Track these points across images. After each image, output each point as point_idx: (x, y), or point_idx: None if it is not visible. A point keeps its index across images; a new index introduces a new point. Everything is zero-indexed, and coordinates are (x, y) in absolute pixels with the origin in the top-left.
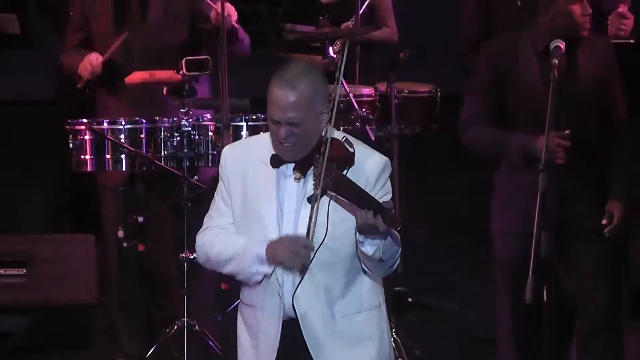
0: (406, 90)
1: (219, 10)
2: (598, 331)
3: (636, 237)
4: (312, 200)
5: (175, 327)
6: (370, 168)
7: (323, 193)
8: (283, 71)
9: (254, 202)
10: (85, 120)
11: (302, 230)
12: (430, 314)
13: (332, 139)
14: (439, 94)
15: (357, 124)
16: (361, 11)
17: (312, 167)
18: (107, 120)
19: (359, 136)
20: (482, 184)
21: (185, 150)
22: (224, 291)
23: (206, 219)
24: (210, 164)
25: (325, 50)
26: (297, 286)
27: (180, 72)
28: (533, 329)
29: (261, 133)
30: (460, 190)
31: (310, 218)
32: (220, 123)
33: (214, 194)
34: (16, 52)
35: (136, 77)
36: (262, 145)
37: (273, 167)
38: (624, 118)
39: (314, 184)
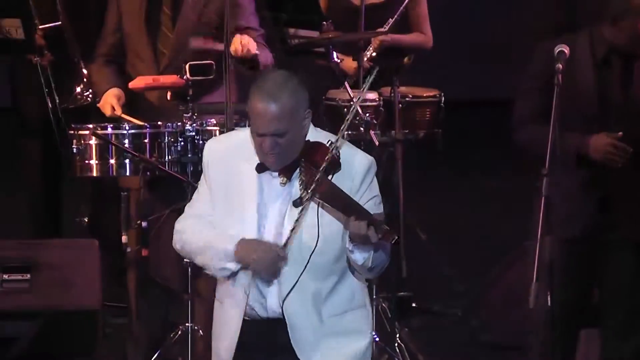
0: (410, 95)
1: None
2: (621, 337)
3: None
4: (298, 204)
5: (179, 332)
6: (355, 169)
7: (311, 199)
8: (262, 83)
9: (236, 200)
10: (89, 125)
11: (286, 234)
12: (434, 318)
13: (317, 143)
14: (443, 98)
15: (361, 128)
16: (396, 16)
17: (298, 171)
18: (111, 125)
19: (363, 141)
20: (485, 189)
21: (189, 155)
22: None
23: (187, 207)
24: None
25: (330, 55)
26: (290, 292)
27: (184, 76)
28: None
29: (241, 129)
30: (464, 195)
31: (294, 227)
32: (225, 128)
33: None
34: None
35: (140, 82)
36: (245, 141)
37: (258, 172)
38: None
39: (300, 189)
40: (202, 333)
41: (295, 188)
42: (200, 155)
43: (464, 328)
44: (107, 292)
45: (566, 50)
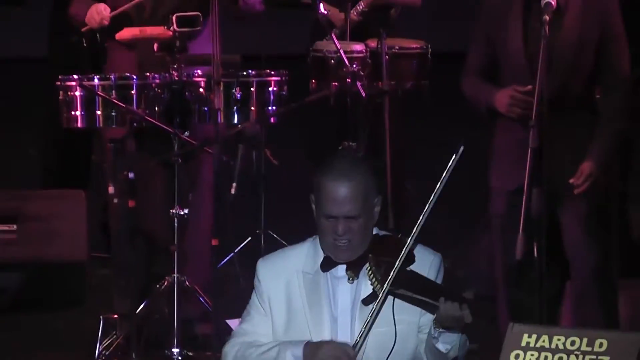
0: (397, 47)
1: None
2: (589, 290)
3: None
4: (369, 301)
5: (166, 283)
6: (426, 266)
7: (388, 293)
8: (333, 163)
9: (302, 312)
10: (75, 77)
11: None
12: None
13: (386, 236)
14: (430, 50)
15: (348, 80)
16: None
17: (366, 267)
18: (97, 77)
19: (349, 93)
20: (473, 140)
21: (176, 107)
22: (214, 247)
23: (237, 330)
24: (201, 121)
25: (317, 6)
26: None
27: (171, 28)
28: (524, 287)
29: (291, 245)
30: (452, 146)
31: (366, 325)
32: (212, 79)
33: (204, 150)
34: (7, 9)
35: (126, 33)
36: (297, 254)
37: (324, 271)
38: (623, 76)
39: (373, 284)
40: (188, 284)
41: (364, 285)
42: (186, 107)
43: (451, 280)
44: (94, 243)
45: (553, 2)
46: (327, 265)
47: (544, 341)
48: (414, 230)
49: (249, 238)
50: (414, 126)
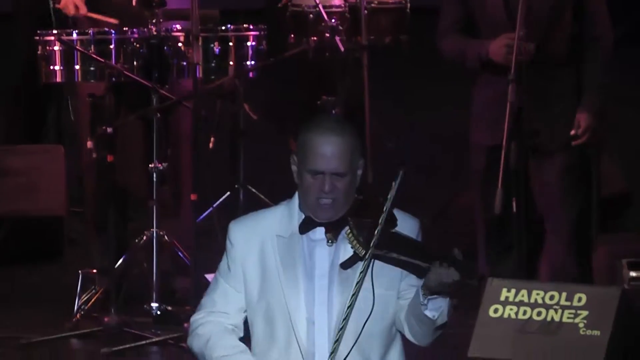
0: (376, 1)
1: None
2: (566, 244)
3: (606, 149)
4: (347, 265)
5: (144, 237)
6: (407, 231)
7: (371, 255)
8: (321, 121)
9: (276, 276)
10: (54, 31)
11: (336, 300)
12: None
13: (368, 198)
14: (409, 4)
15: (327, 35)
16: None
17: (346, 230)
18: (76, 31)
19: (328, 48)
20: (450, 95)
21: (154, 61)
22: (193, 202)
23: (207, 300)
24: (179, 76)
25: None
26: None
27: None
28: (503, 241)
29: (265, 209)
30: (430, 101)
31: (354, 293)
32: (190, 34)
33: (183, 105)
34: None
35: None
36: (271, 217)
37: (302, 233)
38: (603, 31)
39: (355, 247)
40: (166, 239)
41: (343, 249)
42: (165, 61)
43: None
44: (73, 197)
45: None
46: (306, 226)
47: (522, 296)
48: (392, 188)
49: (228, 193)
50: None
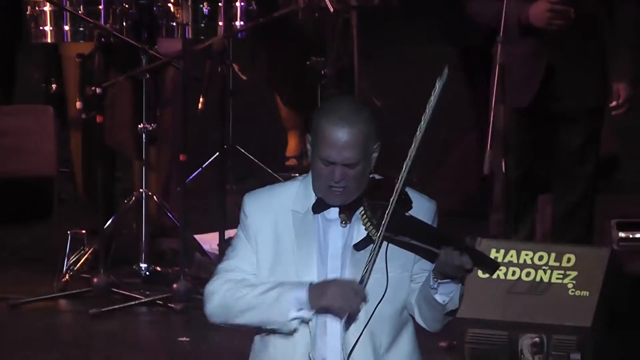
0: None
1: None
2: (576, 211)
3: None
4: (361, 247)
5: (133, 198)
6: (422, 213)
7: (384, 238)
8: (335, 106)
9: (290, 252)
10: None
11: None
12: None
13: (383, 180)
14: None
15: None
16: None
17: (360, 211)
18: None
19: (315, 8)
20: (440, 56)
21: (143, 22)
22: (182, 163)
23: (222, 266)
24: (169, 36)
25: None
26: (354, 347)
27: None
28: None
29: (280, 183)
30: (419, 62)
31: (367, 266)
32: None
33: (172, 65)
34: None
35: None
36: (287, 192)
37: (315, 213)
38: None
39: (368, 229)
40: (155, 199)
41: (357, 230)
42: (154, 22)
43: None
44: (62, 158)
45: None
46: (319, 207)
47: (512, 256)
48: (404, 168)
49: (217, 153)
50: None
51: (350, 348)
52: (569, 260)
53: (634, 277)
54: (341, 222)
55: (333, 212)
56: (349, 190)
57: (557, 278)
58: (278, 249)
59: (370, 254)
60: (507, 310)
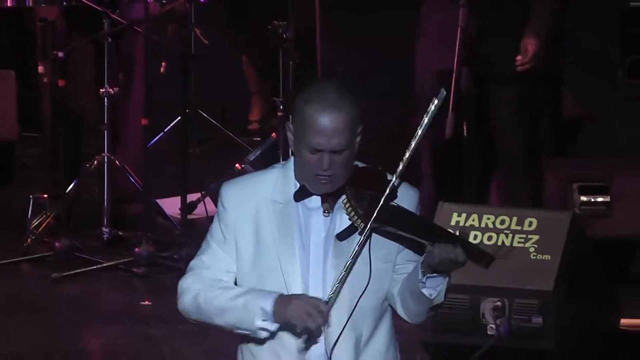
0: None
1: None
2: (516, 171)
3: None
4: (343, 236)
5: (95, 162)
6: (406, 202)
7: (370, 229)
8: (319, 92)
9: (271, 244)
10: None
11: (331, 271)
12: None
13: (368, 168)
14: None
15: None
16: None
17: (343, 200)
18: None
19: None
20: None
21: None
22: (144, 127)
23: (195, 262)
24: (131, 0)
25: None
26: (337, 340)
27: None
28: (453, 165)
29: (258, 171)
30: (383, 28)
31: (351, 256)
32: None
33: (134, 29)
34: None
35: None
36: (266, 181)
37: (296, 200)
38: None
39: (352, 219)
40: (118, 163)
41: (340, 220)
42: None
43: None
44: (24, 122)
45: None
46: (302, 194)
47: (473, 220)
48: (400, 166)
49: (179, 117)
50: None
51: (334, 342)
52: (530, 224)
53: (595, 240)
54: (324, 212)
55: (315, 201)
56: (336, 177)
57: (519, 242)
58: (259, 240)
59: (356, 245)
60: (469, 274)
